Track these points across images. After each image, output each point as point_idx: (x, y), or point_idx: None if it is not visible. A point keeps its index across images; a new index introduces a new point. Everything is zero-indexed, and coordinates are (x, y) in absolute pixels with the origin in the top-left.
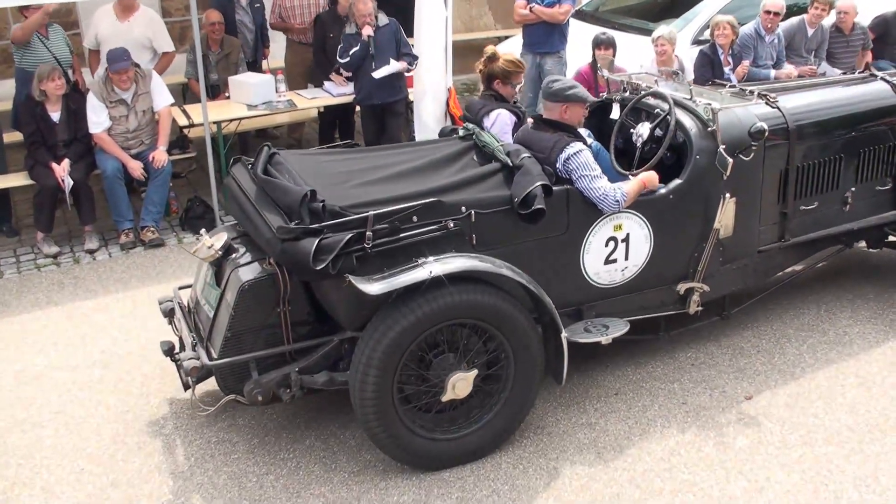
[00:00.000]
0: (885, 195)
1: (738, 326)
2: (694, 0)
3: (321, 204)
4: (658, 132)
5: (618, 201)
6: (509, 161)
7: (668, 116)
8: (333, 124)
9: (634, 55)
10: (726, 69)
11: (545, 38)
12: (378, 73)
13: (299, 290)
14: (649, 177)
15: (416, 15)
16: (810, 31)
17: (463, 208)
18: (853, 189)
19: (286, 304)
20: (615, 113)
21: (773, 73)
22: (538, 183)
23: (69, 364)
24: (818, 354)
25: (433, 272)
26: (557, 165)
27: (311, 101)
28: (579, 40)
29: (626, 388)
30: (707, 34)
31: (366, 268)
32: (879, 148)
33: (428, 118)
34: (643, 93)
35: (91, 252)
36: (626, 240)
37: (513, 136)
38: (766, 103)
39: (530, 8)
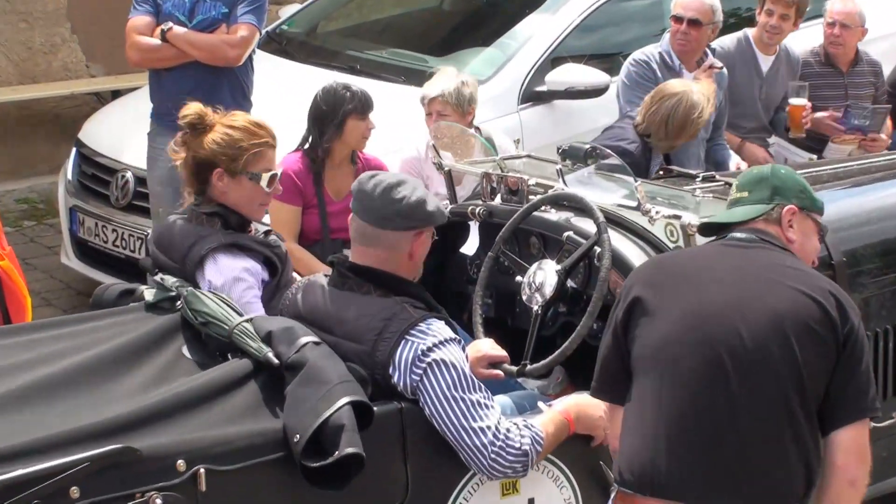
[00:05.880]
0: None
1: None
2: (510, 13)
3: None
4: (573, 283)
5: (527, 455)
6: (269, 355)
7: (597, 247)
8: None
9: (405, 125)
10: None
11: (201, 96)
12: None
13: None
14: (579, 408)
15: None
16: (765, 64)
17: (180, 463)
18: None
19: None
20: (470, 244)
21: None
22: (344, 400)
23: None
24: None
25: None
26: (394, 376)
27: None
28: (282, 96)
29: None
30: (555, 78)
31: None
32: None
33: None
34: (538, 199)
35: None
36: None
37: (269, 301)
38: None
39: (162, 33)
